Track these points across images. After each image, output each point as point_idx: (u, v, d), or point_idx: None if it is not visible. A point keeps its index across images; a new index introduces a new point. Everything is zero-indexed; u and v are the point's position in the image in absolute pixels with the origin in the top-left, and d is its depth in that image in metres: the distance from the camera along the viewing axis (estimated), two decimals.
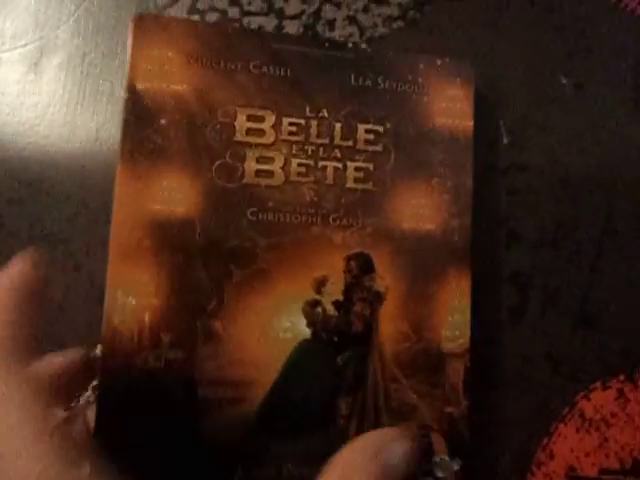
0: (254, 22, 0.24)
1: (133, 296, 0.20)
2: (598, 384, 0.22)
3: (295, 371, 0.20)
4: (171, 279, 0.20)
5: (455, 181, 0.21)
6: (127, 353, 0.19)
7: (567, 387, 0.22)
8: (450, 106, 0.21)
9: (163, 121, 0.20)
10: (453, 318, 0.20)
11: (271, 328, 0.20)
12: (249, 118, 0.21)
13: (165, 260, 0.20)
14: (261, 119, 0.21)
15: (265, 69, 0.21)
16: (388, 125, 0.21)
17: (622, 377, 0.22)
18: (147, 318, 0.20)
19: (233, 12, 0.24)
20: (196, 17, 0.24)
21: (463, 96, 0.21)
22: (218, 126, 0.21)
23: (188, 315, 0.20)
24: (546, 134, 0.23)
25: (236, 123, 0.21)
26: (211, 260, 0.20)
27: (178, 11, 0.25)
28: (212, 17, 0.24)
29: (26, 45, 0.25)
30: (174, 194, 0.20)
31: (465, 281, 0.20)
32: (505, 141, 0.23)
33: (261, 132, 0.21)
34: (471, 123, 0.21)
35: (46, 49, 0.25)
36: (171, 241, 0.20)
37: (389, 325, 0.20)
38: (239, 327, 0.20)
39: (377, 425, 0.19)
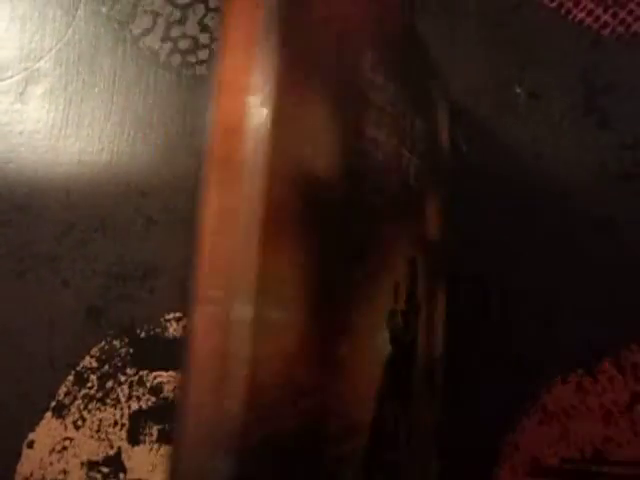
0: None
1: (278, 308, 0.11)
2: (558, 378, 0.23)
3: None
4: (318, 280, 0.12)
5: None
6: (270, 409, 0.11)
7: (530, 382, 0.23)
8: None
9: None
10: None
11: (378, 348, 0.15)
12: None
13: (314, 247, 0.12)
14: None
15: None
16: None
17: (580, 371, 0.23)
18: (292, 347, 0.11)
19: (203, 38, 0.26)
20: (168, 45, 0.26)
21: None
22: None
23: (327, 338, 0.13)
24: (502, 141, 0.24)
25: None
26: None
27: (154, 38, 0.26)
28: (185, 43, 0.26)
29: (12, 76, 0.26)
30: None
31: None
32: (463, 149, 0.24)
33: None
34: None
35: (30, 79, 0.26)
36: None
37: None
38: (358, 350, 0.14)
39: None
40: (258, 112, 0.11)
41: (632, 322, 0.23)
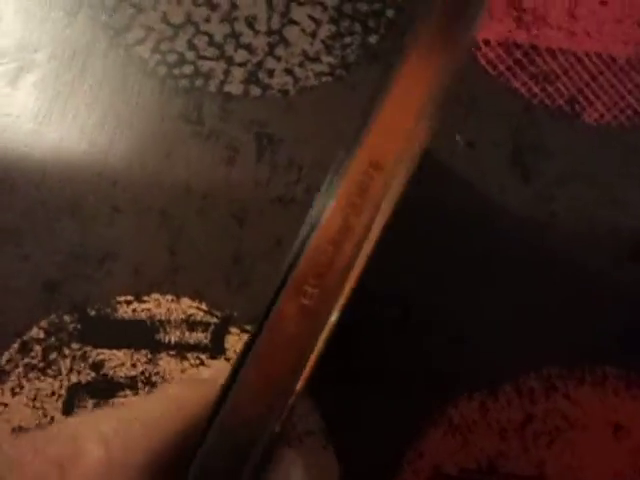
0: (205, 66, 0.28)
1: None
2: (465, 395, 0.25)
3: None
4: None
5: None
6: None
7: (439, 396, 0.25)
8: None
9: None
10: None
11: None
12: None
13: None
14: None
15: None
16: None
17: (485, 391, 0.26)
18: None
19: (189, 55, 0.28)
20: (157, 56, 0.28)
21: None
22: None
23: None
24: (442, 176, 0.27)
25: None
26: None
27: (145, 49, 0.29)
28: (172, 57, 0.28)
29: (8, 63, 0.28)
30: None
31: None
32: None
33: None
34: None
35: (25, 68, 0.28)
36: None
37: None
38: None
39: None
40: None
41: (533, 353, 0.26)
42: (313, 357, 0.12)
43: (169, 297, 0.26)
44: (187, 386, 0.16)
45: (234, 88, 0.28)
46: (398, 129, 0.12)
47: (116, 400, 0.25)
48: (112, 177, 0.27)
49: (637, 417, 0.25)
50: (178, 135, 0.27)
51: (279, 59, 0.28)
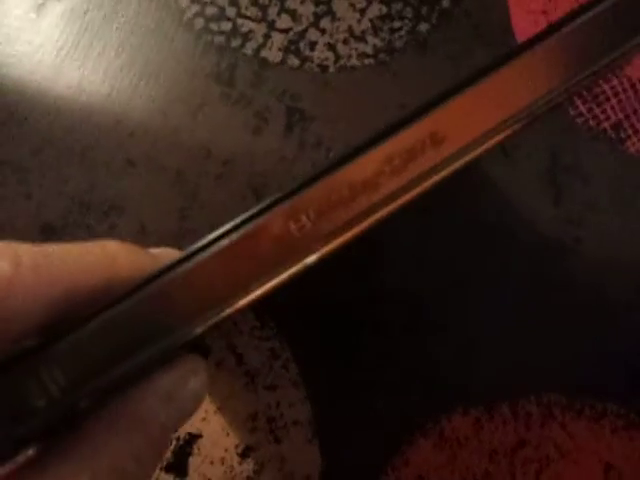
0: (245, 26, 0.27)
1: None
2: (461, 409, 0.25)
3: None
4: None
5: None
6: None
7: (435, 406, 0.25)
8: None
9: None
10: None
11: None
12: None
13: None
14: None
15: None
16: None
17: (481, 408, 0.25)
18: None
19: (230, 11, 0.27)
20: (196, 7, 0.27)
21: None
22: None
23: None
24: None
25: None
26: None
27: None
28: (211, 10, 0.27)
29: None
30: None
31: None
32: None
33: None
34: None
35: None
36: None
37: None
38: None
39: None
40: None
41: (537, 376, 0.25)
42: (268, 286, 0.11)
43: None
44: (130, 250, 0.14)
45: (271, 55, 0.27)
46: (480, 119, 0.11)
47: None
48: (130, 127, 0.25)
49: (630, 460, 0.24)
50: (206, 94, 0.26)
51: (323, 32, 0.27)
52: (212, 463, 0.24)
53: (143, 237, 0.25)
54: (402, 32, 0.27)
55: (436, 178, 0.11)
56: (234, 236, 0.11)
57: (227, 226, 0.11)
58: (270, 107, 0.26)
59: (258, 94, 0.26)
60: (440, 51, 0.27)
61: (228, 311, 0.11)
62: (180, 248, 0.25)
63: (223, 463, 0.24)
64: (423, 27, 0.27)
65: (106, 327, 0.11)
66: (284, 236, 0.11)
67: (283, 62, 0.26)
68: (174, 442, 0.24)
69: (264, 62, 0.26)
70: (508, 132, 0.11)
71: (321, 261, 0.11)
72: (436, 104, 0.11)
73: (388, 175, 0.11)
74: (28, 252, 0.12)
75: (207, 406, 0.24)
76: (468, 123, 0.11)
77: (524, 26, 0.28)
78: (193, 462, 0.24)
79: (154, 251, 0.14)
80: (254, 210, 0.11)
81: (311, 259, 0.11)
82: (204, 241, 0.11)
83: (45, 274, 0.12)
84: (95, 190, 0.25)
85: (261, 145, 0.26)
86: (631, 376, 0.25)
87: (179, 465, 0.23)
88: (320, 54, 0.27)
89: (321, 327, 0.25)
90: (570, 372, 0.25)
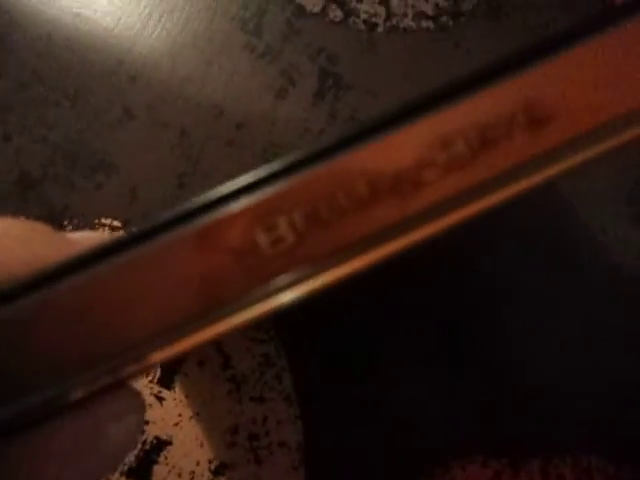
0: None
1: None
2: (479, 458, 0.21)
3: None
4: None
5: None
6: None
7: (448, 451, 0.21)
8: None
9: None
10: None
11: None
12: None
13: None
14: None
15: None
16: None
17: (505, 460, 0.21)
18: None
19: None
20: None
21: None
22: None
23: None
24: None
25: None
26: None
27: None
28: None
29: None
30: None
31: None
32: None
33: None
34: None
35: None
36: None
37: None
38: None
39: None
40: None
41: (580, 433, 0.21)
42: (205, 336, 0.07)
43: None
44: (27, 228, 0.10)
45: (310, 2, 0.22)
46: (621, 93, 0.06)
47: None
48: (132, 70, 0.21)
49: None
50: (227, 42, 0.22)
51: None
52: (180, 476, 0.20)
53: (133, 202, 0.21)
54: None
55: (524, 185, 0.06)
56: (165, 237, 0.07)
57: (156, 220, 0.07)
58: (300, 67, 0.22)
59: (288, 49, 0.22)
60: (517, 19, 0.22)
61: (133, 368, 0.07)
62: None
63: (192, 478, 0.20)
64: None
65: None
66: (246, 251, 0.06)
67: (323, 13, 0.22)
68: (140, 445, 0.20)
69: (300, 10, 0.22)
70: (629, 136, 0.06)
71: (305, 299, 0.07)
72: (544, 53, 0.06)
73: (442, 169, 0.06)
74: None
75: (182, 410, 0.20)
76: (594, 97, 0.06)
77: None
78: (158, 471, 0.20)
79: (73, 236, 0.10)
80: (199, 199, 0.07)
81: (287, 297, 0.06)
82: (120, 238, 0.07)
83: None
84: (84, 141, 0.21)
85: (283, 111, 0.21)
86: None
87: (142, 473, 0.20)
88: (369, 8, 0.22)
89: (326, 338, 0.21)
90: (626, 433, 0.20)
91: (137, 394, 0.09)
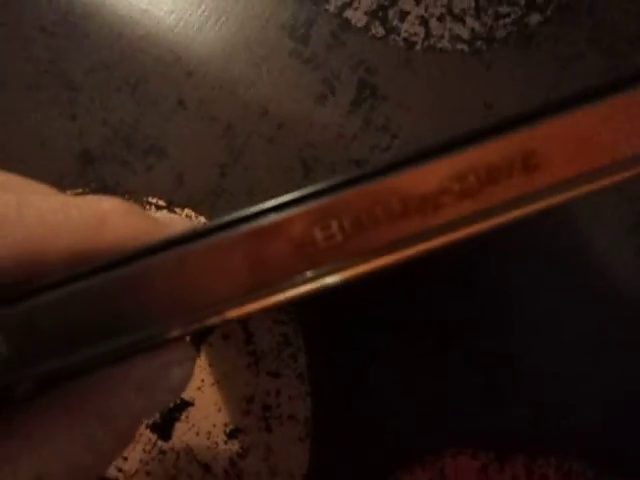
0: None
1: None
2: (469, 451, 0.23)
3: None
4: None
5: None
6: None
7: (442, 440, 0.22)
8: None
9: None
10: None
11: None
12: None
13: None
14: None
15: None
16: None
17: (492, 455, 0.23)
18: None
19: None
20: None
21: None
22: None
23: None
24: None
25: None
26: None
27: None
28: None
29: None
30: None
31: None
32: None
33: None
34: None
35: None
36: None
37: None
38: None
39: None
40: None
41: (566, 437, 0.22)
42: (272, 300, 0.09)
43: (202, 219, 0.23)
44: (128, 211, 0.11)
45: (356, 17, 0.24)
46: (595, 150, 0.08)
47: None
48: (189, 66, 0.24)
49: None
50: (275, 47, 0.24)
51: (418, 2, 0.24)
52: (198, 434, 0.23)
53: (179, 186, 0.23)
54: (508, 20, 0.24)
55: (518, 213, 0.08)
56: (244, 227, 0.09)
57: (241, 213, 0.09)
58: (341, 76, 0.24)
59: (331, 58, 0.24)
60: (547, 49, 0.23)
61: (215, 319, 0.09)
62: (213, 206, 0.23)
63: (209, 438, 0.23)
64: (534, 18, 0.24)
65: (72, 301, 0.09)
66: (305, 243, 0.09)
67: (366, 28, 0.24)
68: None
69: (346, 24, 0.24)
70: (627, 174, 0.08)
71: (345, 283, 0.09)
72: (539, 116, 0.08)
73: (456, 195, 0.08)
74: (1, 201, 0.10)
75: (205, 376, 0.23)
76: (577, 151, 0.08)
77: None
78: (179, 428, 0.23)
79: (159, 216, 0.13)
80: (275, 201, 0.09)
81: (332, 279, 0.09)
82: (210, 225, 0.09)
83: (13, 230, 0.09)
84: (140, 126, 0.23)
85: (322, 115, 0.23)
86: None
87: (165, 427, 0.23)
88: (409, 27, 0.24)
89: (343, 324, 0.23)
90: (610, 442, 0.22)
91: (192, 348, 0.11)
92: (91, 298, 0.09)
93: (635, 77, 0.08)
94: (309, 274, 0.09)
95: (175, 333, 0.09)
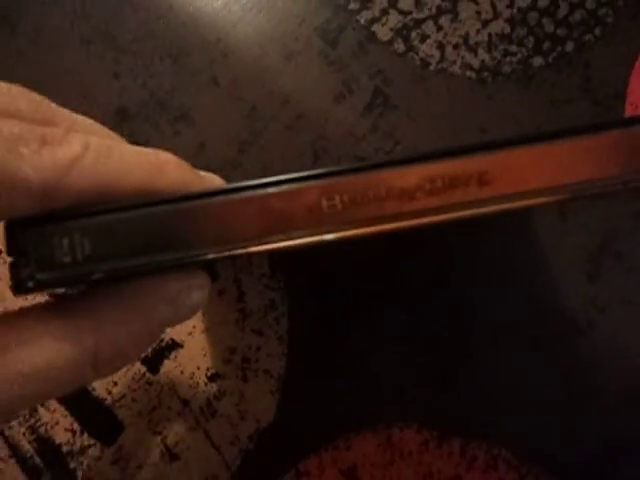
0: None
1: None
2: (416, 426, 0.26)
3: None
4: None
5: None
6: None
7: (395, 413, 0.26)
8: None
9: None
10: None
11: None
12: None
13: None
14: None
15: None
16: None
17: (436, 433, 0.26)
18: None
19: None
20: None
21: None
22: None
23: None
24: None
25: None
26: None
27: None
28: None
29: None
30: None
31: None
32: None
33: None
34: None
35: None
36: None
37: None
38: None
39: None
40: None
41: (500, 430, 0.26)
42: (284, 244, 0.12)
43: None
44: (180, 164, 0.15)
45: (382, 32, 0.27)
46: (533, 177, 0.12)
47: None
48: (227, 49, 0.26)
49: None
50: (306, 45, 0.26)
51: (439, 28, 0.27)
52: (182, 373, 0.26)
53: (200, 153, 0.26)
54: (514, 58, 0.27)
55: (467, 213, 0.12)
56: (272, 189, 0.12)
57: (271, 178, 0.12)
58: (360, 81, 0.26)
59: (354, 64, 0.27)
60: (544, 90, 0.26)
61: (241, 251, 0.12)
62: (227, 177, 0.26)
63: (192, 378, 0.26)
64: (537, 61, 0.27)
65: (139, 221, 0.12)
66: (314, 208, 0.12)
67: (390, 43, 0.27)
68: (157, 342, 0.26)
69: (372, 36, 0.27)
70: (555, 198, 0.11)
71: (338, 241, 0.12)
72: (498, 147, 0.12)
73: (426, 192, 0.12)
74: (96, 141, 0.13)
75: (197, 323, 0.26)
76: (519, 176, 0.12)
77: (637, 99, 0.27)
78: (167, 365, 0.26)
79: (202, 173, 0.16)
80: (299, 174, 0.12)
81: (329, 237, 0.12)
82: (247, 183, 0.12)
83: (102, 164, 0.13)
84: (175, 94, 0.26)
85: (337, 113, 0.26)
86: (590, 464, 0.25)
87: (154, 362, 0.26)
88: (427, 49, 0.27)
89: (325, 299, 0.26)
90: (536, 440, 0.25)
91: (209, 280, 0.15)
92: (153, 221, 0.12)
93: (566, 130, 0.11)
94: (314, 229, 0.12)
95: (209, 257, 0.12)
